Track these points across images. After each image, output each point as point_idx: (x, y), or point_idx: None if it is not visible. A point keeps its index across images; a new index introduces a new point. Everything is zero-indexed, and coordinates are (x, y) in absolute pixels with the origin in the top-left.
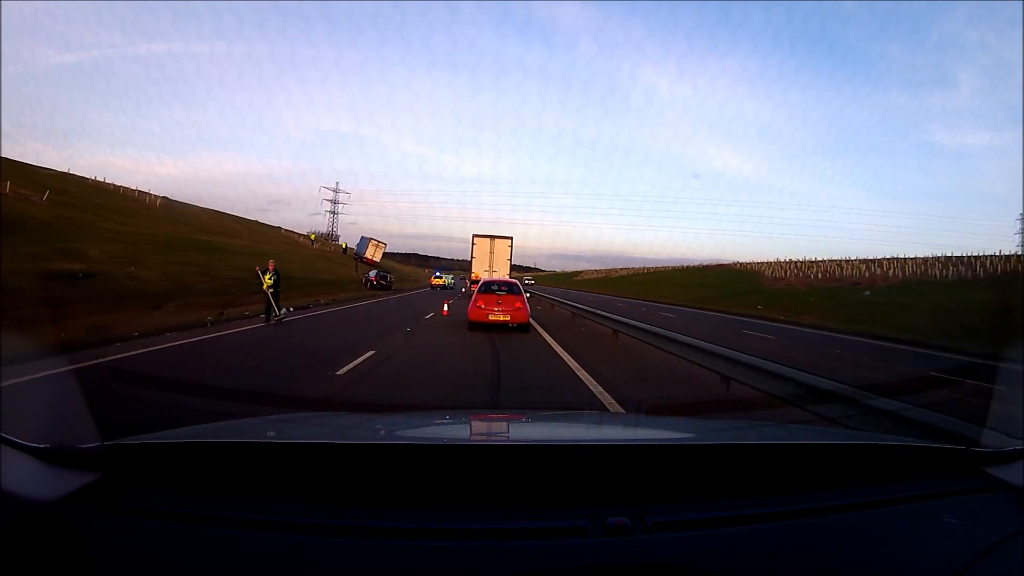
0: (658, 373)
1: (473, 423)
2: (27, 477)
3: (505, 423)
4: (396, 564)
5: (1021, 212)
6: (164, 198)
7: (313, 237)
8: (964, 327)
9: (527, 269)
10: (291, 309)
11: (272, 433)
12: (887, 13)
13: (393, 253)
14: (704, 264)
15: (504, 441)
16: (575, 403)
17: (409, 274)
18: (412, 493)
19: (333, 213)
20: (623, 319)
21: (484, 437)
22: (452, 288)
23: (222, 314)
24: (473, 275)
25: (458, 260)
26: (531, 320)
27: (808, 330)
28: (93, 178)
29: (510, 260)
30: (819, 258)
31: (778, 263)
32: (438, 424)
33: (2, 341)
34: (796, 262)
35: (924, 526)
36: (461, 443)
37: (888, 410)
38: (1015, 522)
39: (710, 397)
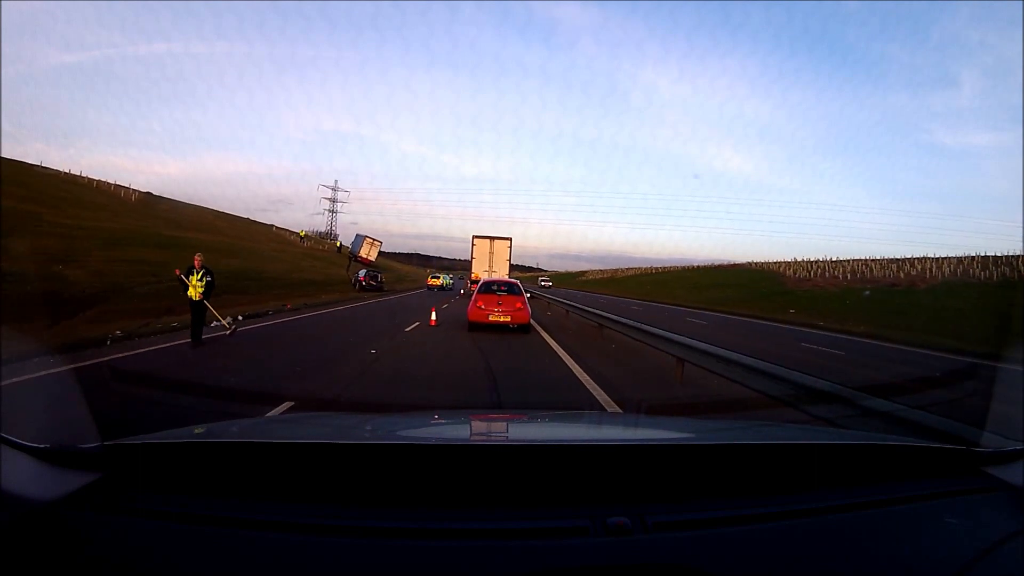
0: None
1: (473, 423)
2: (27, 477)
3: (505, 423)
4: (396, 564)
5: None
6: (147, 193)
7: (303, 234)
8: None
9: (529, 269)
10: (240, 318)
11: (272, 433)
12: (888, 13)
13: (395, 253)
14: (716, 264)
15: (504, 441)
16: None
17: (408, 274)
18: (412, 493)
19: (332, 212)
20: (662, 333)
21: (484, 437)
22: (451, 288)
23: (148, 325)
24: (473, 275)
25: (459, 260)
26: (556, 344)
27: (877, 343)
28: (67, 171)
29: (509, 260)
30: (844, 258)
31: (796, 263)
32: (438, 424)
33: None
34: (818, 262)
35: (924, 526)
36: (461, 443)
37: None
38: (1015, 522)
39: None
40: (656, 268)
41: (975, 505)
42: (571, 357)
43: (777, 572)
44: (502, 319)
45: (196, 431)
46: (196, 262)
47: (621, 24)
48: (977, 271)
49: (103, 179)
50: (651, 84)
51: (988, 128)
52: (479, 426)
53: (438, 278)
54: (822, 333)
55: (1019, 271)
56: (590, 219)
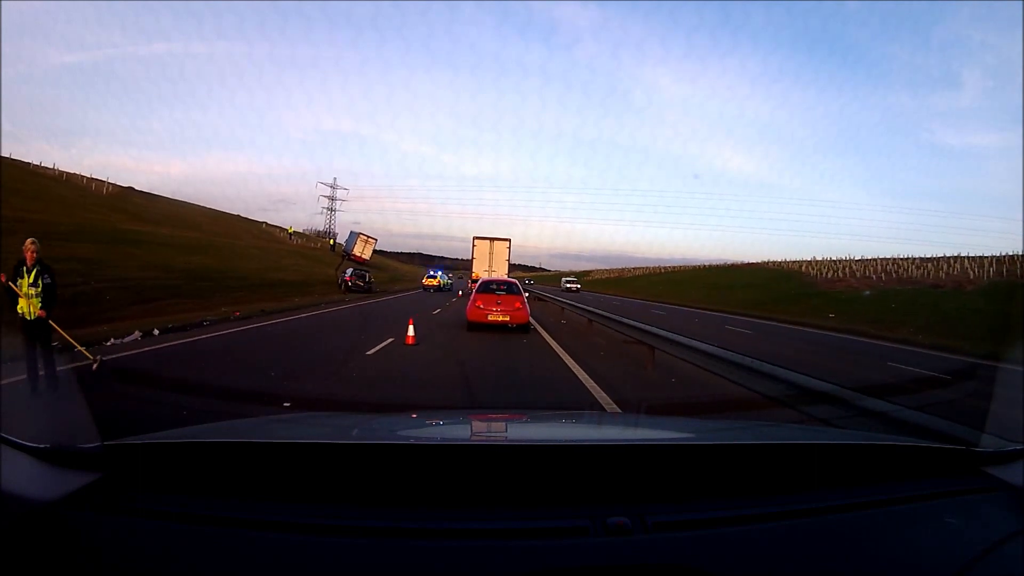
0: None
1: (473, 423)
2: (27, 477)
3: (505, 423)
4: (396, 564)
5: None
6: (129, 188)
7: (292, 231)
8: None
9: (531, 269)
10: (155, 332)
11: (272, 433)
12: (888, 13)
13: (397, 252)
14: (729, 263)
15: (504, 441)
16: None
17: (406, 274)
18: (412, 493)
19: (330, 210)
20: (723, 354)
21: (484, 437)
22: (449, 289)
23: None
24: (474, 275)
25: (462, 260)
26: (593, 383)
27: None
28: (38, 163)
29: (508, 260)
30: (872, 256)
31: (818, 262)
32: (438, 424)
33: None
34: (843, 261)
35: (924, 526)
36: (461, 443)
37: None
38: (1015, 522)
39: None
40: (665, 268)
41: (975, 505)
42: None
43: (777, 572)
44: (501, 319)
45: (196, 431)
46: (28, 256)
47: (624, 23)
48: (1018, 271)
49: (80, 173)
50: (652, 83)
51: (991, 127)
52: (479, 426)
53: (435, 277)
54: (895, 347)
55: None
56: (592, 218)
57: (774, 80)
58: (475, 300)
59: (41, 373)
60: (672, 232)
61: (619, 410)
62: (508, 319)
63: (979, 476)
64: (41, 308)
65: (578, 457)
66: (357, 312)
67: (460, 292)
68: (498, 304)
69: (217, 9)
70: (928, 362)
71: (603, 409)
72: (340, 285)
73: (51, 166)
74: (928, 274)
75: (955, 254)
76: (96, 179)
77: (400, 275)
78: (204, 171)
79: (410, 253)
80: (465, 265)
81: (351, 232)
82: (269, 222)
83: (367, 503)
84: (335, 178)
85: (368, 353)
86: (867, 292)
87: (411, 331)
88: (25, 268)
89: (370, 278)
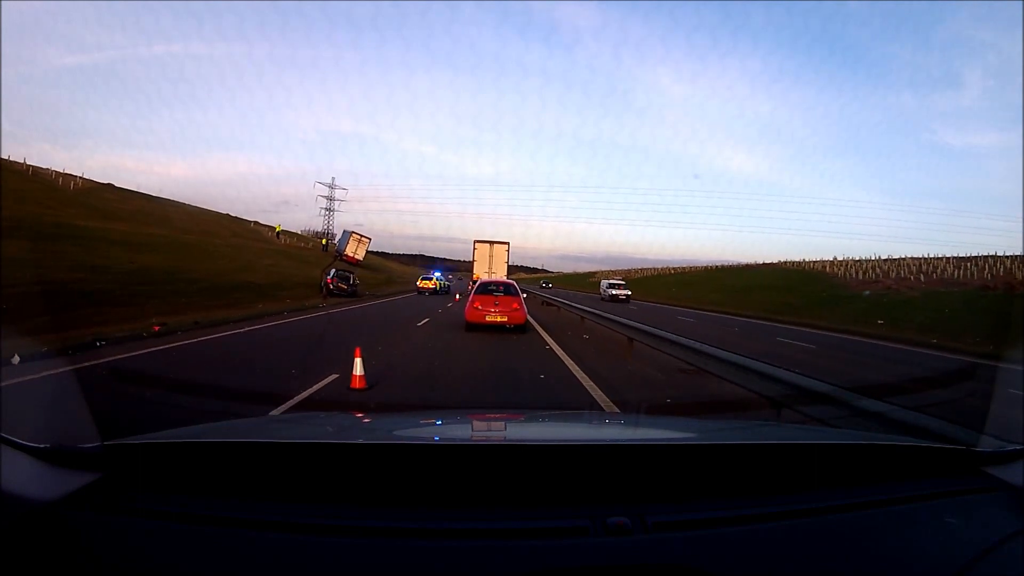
0: None
1: (473, 423)
2: (27, 477)
3: (504, 423)
4: (396, 564)
5: None
6: (108, 184)
7: (280, 229)
8: None
9: (534, 270)
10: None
11: (272, 433)
12: (889, 12)
13: (398, 254)
14: (744, 264)
15: (504, 441)
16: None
17: (405, 275)
18: (412, 493)
19: (328, 210)
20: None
21: (484, 437)
22: (447, 291)
23: None
24: (475, 276)
25: (463, 261)
26: None
27: None
28: (7, 157)
29: (507, 262)
30: (903, 255)
31: (841, 262)
32: (438, 424)
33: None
34: (870, 261)
35: (924, 526)
36: (461, 443)
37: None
38: (1015, 522)
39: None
40: (674, 268)
41: (975, 505)
42: None
43: (777, 572)
44: (499, 319)
45: (196, 431)
46: None
47: (630, 22)
48: None
49: (51, 168)
50: (652, 82)
51: (993, 126)
52: (479, 426)
53: (430, 279)
54: (1009, 367)
55: None
56: (594, 219)
57: (775, 80)
58: (473, 301)
59: None
60: (673, 232)
61: (619, 410)
62: (506, 320)
63: (979, 476)
64: None
65: (578, 457)
66: (321, 324)
67: (458, 296)
68: (496, 305)
69: (219, 11)
70: None
71: (603, 409)
72: (321, 288)
73: (21, 160)
74: (970, 275)
75: (991, 253)
76: (69, 174)
77: (396, 277)
78: (206, 173)
79: (411, 255)
80: (467, 267)
81: (344, 231)
82: (260, 221)
83: (367, 503)
84: (333, 177)
85: (275, 413)
86: (893, 295)
87: (358, 368)
88: None
89: (355, 280)
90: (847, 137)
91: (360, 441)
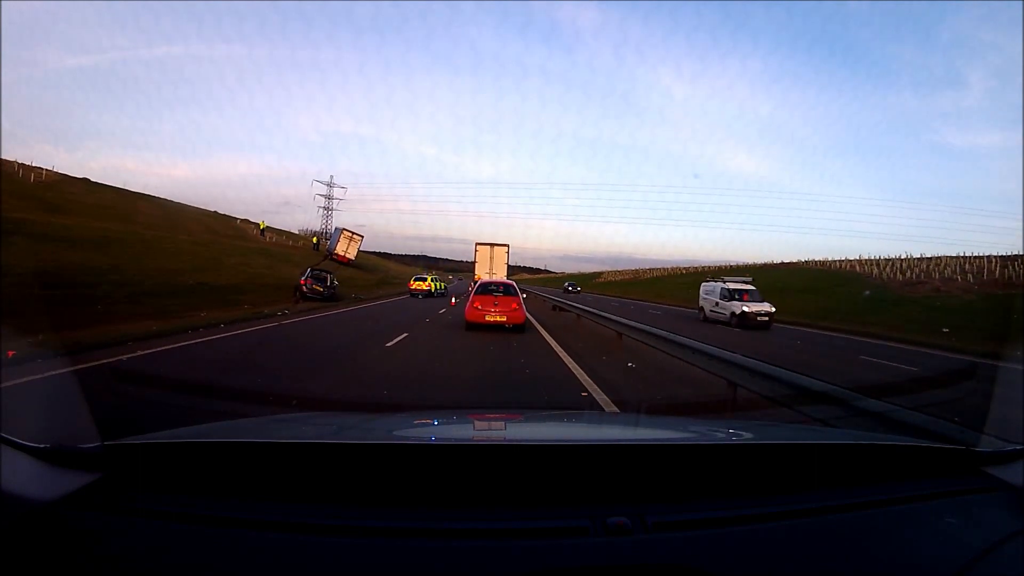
0: None
1: (473, 423)
2: (27, 477)
3: (504, 423)
4: (396, 564)
5: None
6: (84, 180)
7: (264, 226)
8: None
9: (536, 271)
10: None
11: (272, 433)
12: (890, 12)
13: (401, 255)
14: (764, 263)
15: (504, 441)
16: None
17: (403, 275)
18: (412, 493)
19: (327, 209)
20: None
21: (484, 437)
22: (443, 294)
23: None
24: (476, 276)
25: (466, 262)
26: None
27: None
28: None
29: (507, 263)
30: (935, 254)
31: (871, 261)
32: (438, 424)
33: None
34: (905, 259)
35: (924, 526)
36: (461, 443)
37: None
38: (1015, 522)
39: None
40: (686, 268)
41: (975, 505)
42: None
43: (777, 572)
44: (498, 319)
45: (196, 431)
46: None
47: (631, 22)
48: None
49: (17, 160)
50: (659, 83)
51: (995, 126)
52: (479, 426)
53: (424, 280)
54: None
55: None
56: (596, 219)
57: (777, 80)
58: (473, 301)
59: None
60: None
61: (619, 410)
62: (504, 319)
63: (979, 476)
64: None
65: (578, 457)
66: (252, 345)
67: (454, 300)
68: (495, 305)
69: (220, 12)
70: None
71: (603, 409)
72: (295, 293)
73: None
74: (1018, 275)
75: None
76: (37, 167)
77: (393, 277)
78: (208, 174)
79: (414, 255)
80: (468, 267)
81: (336, 228)
82: (249, 219)
83: (367, 503)
84: (331, 176)
85: None
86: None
87: None
88: None
89: (333, 281)
90: (849, 137)
91: (360, 441)
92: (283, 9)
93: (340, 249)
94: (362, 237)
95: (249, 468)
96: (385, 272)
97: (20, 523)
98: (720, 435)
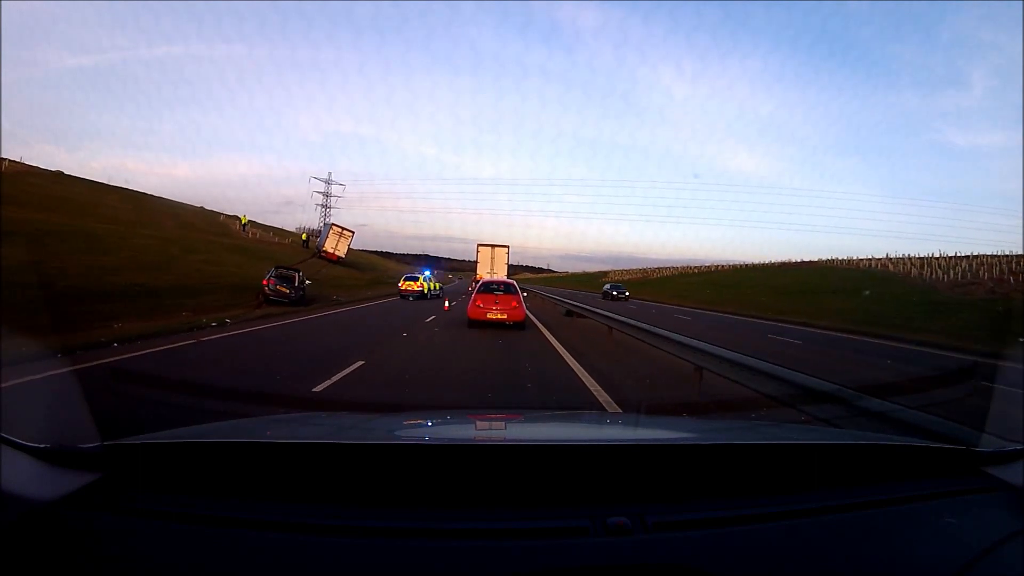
0: None
1: (473, 423)
2: (27, 477)
3: (505, 423)
4: (396, 564)
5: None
6: (57, 172)
7: (245, 221)
8: None
9: (539, 270)
10: None
11: (272, 433)
12: (889, 12)
13: (402, 254)
14: (783, 262)
15: (504, 441)
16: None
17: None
18: (412, 493)
19: (325, 207)
20: None
21: (484, 437)
22: (439, 296)
23: None
24: (478, 276)
25: (467, 261)
26: None
27: None
28: None
29: (507, 263)
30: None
31: (902, 259)
32: (438, 424)
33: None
34: (941, 258)
35: (924, 526)
36: (461, 443)
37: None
38: (1015, 522)
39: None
40: (697, 268)
41: (975, 505)
42: None
43: (777, 572)
44: (499, 316)
45: (196, 431)
46: None
47: (636, 21)
48: None
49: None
50: (664, 82)
51: (997, 126)
52: (479, 426)
53: (415, 279)
54: None
55: None
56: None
57: (779, 79)
58: (475, 300)
59: None
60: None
61: (620, 410)
62: (505, 317)
63: (979, 476)
64: None
65: (578, 457)
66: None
67: (447, 304)
68: (496, 303)
69: (219, 11)
70: None
71: (603, 409)
72: (258, 296)
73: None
74: None
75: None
76: (9, 160)
77: (388, 277)
78: (208, 174)
79: (415, 254)
80: (470, 266)
81: (325, 223)
82: (239, 216)
83: (367, 503)
84: (330, 173)
85: None
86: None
87: None
88: None
89: (300, 282)
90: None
91: (360, 441)
92: (283, 9)
93: (329, 246)
94: (353, 233)
95: (249, 468)
96: (380, 271)
97: (20, 523)
98: (720, 435)
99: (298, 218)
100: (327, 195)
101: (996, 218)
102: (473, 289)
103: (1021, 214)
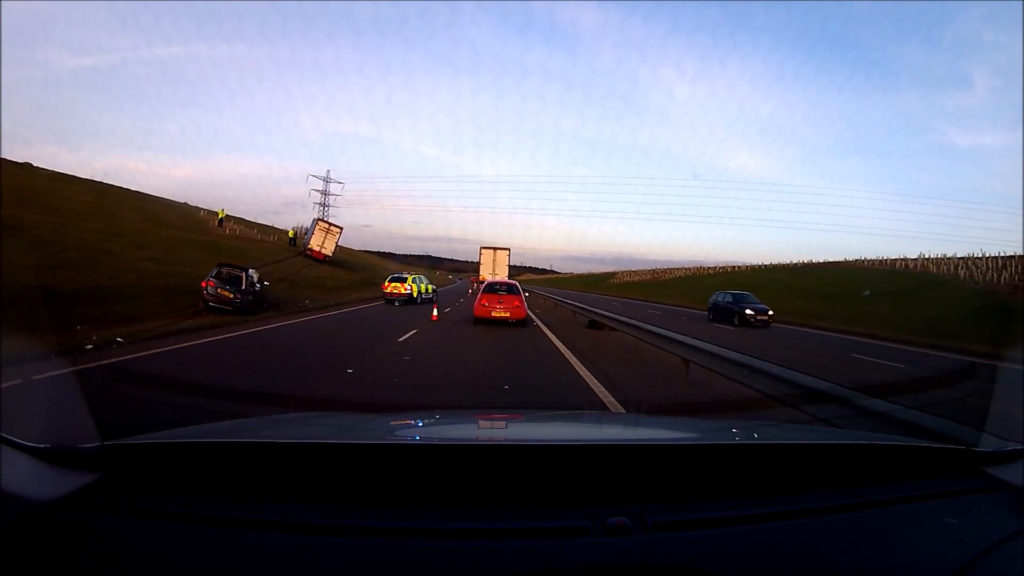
0: None
1: (473, 423)
2: (27, 477)
3: (505, 423)
4: (396, 564)
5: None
6: (26, 164)
7: (223, 215)
8: None
9: (542, 271)
10: None
11: (272, 433)
12: (890, 12)
13: (405, 255)
14: (806, 263)
15: (504, 441)
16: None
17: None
18: (412, 493)
19: (323, 205)
20: None
21: (484, 437)
22: (431, 300)
23: None
24: (481, 277)
25: (470, 262)
26: None
27: None
28: None
29: (508, 265)
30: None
31: (943, 259)
32: (438, 424)
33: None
34: (981, 258)
35: (924, 526)
36: (461, 443)
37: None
38: (1015, 522)
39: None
40: (712, 268)
41: (975, 505)
42: None
43: (777, 572)
44: (503, 314)
45: (196, 431)
46: None
47: (636, 21)
48: None
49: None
50: (664, 82)
51: (999, 126)
52: (479, 425)
53: (402, 281)
54: None
55: None
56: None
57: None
58: (480, 299)
59: None
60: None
61: (621, 410)
62: (508, 315)
63: (979, 476)
64: None
65: (578, 457)
66: None
67: (436, 313)
68: (500, 303)
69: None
70: None
71: (604, 409)
72: (199, 302)
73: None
74: None
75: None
76: None
77: (377, 278)
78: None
79: (417, 255)
80: (472, 267)
81: (313, 219)
82: (227, 212)
83: (367, 503)
84: (328, 171)
85: None
86: None
87: None
88: None
89: (256, 281)
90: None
91: (360, 441)
92: (283, 9)
93: (315, 243)
94: (341, 229)
95: (249, 468)
96: (372, 271)
97: (20, 523)
98: (720, 435)
99: (298, 218)
100: (325, 193)
101: (996, 218)
102: (475, 290)
103: (1022, 214)
